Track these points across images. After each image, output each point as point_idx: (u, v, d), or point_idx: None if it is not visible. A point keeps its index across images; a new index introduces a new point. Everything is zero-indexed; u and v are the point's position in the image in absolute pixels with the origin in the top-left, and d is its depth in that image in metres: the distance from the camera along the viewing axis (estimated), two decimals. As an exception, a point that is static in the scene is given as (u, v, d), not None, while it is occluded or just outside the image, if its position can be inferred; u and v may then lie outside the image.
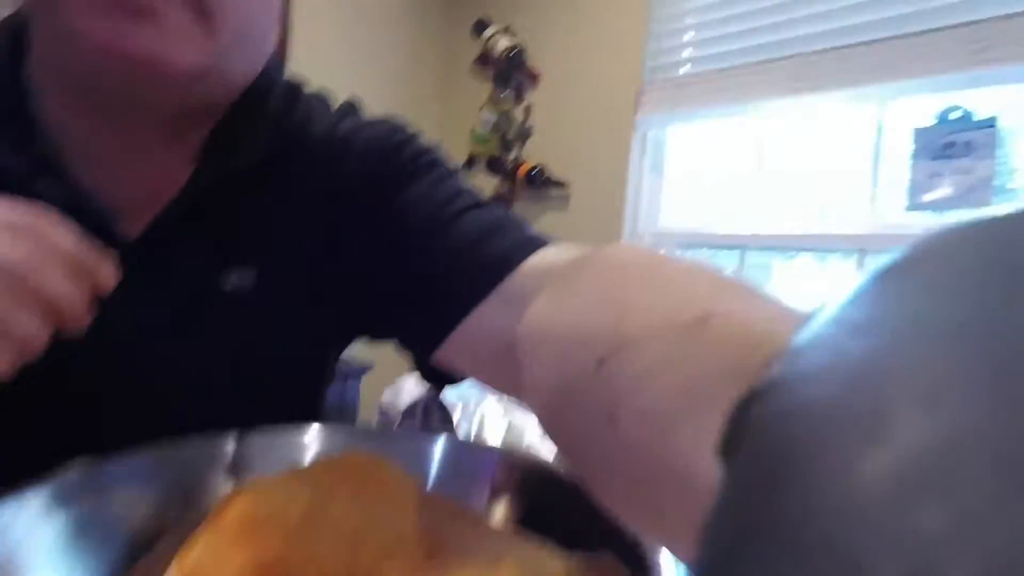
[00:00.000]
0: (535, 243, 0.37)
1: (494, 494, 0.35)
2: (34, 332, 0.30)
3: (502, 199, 2.39)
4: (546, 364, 0.25)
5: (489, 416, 0.59)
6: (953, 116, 1.55)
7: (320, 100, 0.49)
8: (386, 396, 0.72)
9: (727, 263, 2.00)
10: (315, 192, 0.45)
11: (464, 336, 0.38)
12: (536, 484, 0.35)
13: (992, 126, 1.50)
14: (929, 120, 1.58)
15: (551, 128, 2.29)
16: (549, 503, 0.30)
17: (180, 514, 0.31)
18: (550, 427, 0.25)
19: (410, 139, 0.47)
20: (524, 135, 2.35)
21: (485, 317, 0.36)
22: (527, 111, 2.34)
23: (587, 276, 0.26)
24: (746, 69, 1.80)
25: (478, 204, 0.42)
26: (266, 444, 0.36)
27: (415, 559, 0.27)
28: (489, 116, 2.39)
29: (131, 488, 0.31)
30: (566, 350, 0.23)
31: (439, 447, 0.39)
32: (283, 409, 0.43)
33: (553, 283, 0.29)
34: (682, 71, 1.95)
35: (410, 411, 0.66)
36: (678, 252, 2.10)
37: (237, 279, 0.42)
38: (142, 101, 0.38)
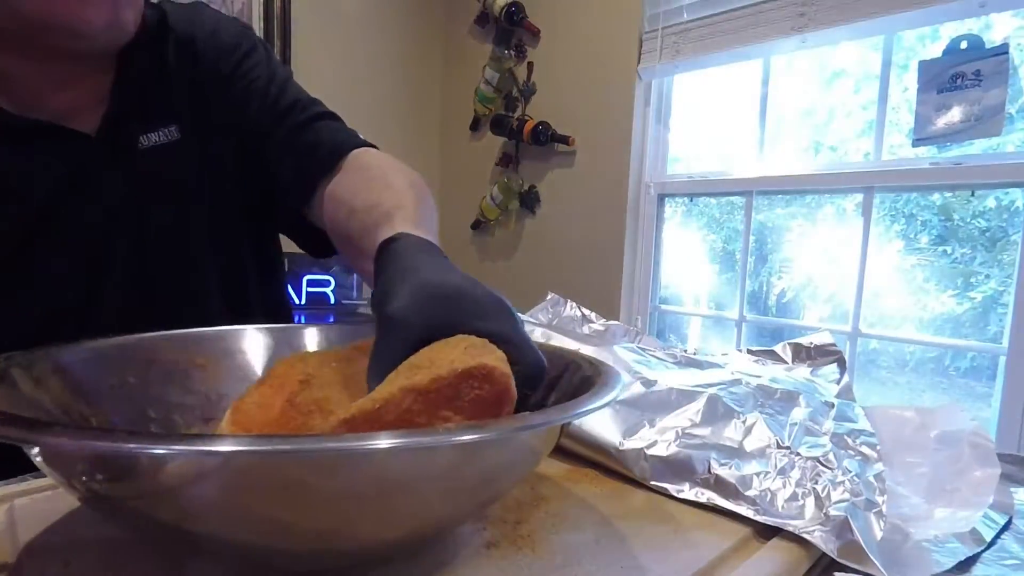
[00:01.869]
0: (356, 139, 0.63)
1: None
2: None
3: (509, 158, 2.39)
4: (328, 212, 0.58)
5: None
6: (963, 46, 1.53)
7: (186, 11, 0.66)
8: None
9: (735, 208, 2.00)
10: (199, 78, 0.63)
11: (317, 200, 0.60)
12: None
13: (1005, 52, 1.48)
14: (936, 52, 1.56)
15: (554, 84, 2.28)
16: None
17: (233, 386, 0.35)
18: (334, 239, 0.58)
19: (261, 46, 0.68)
20: (527, 93, 2.34)
21: (327, 190, 0.59)
22: (529, 68, 2.33)
23: (346, 173, 0.59)
24: (749, 8, 1.78)
25: (323, 110, 0.66)
26: (302, 333, 0.42)
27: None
28: (492, 75, 2.37)
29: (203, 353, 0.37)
30: (332, 207, 0.57)
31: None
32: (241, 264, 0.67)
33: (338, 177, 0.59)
34: (685, 16, 1.93)
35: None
36: (686, 200, 2.11)
37: (164, 135, 0.60)
38: (66, 47, 0.52)
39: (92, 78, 0.57)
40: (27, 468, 0.40)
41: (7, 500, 0.35)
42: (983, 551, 0.37)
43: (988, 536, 0.38)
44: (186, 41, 0.63)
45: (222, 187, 0.64)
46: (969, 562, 0.36)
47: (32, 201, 0.55)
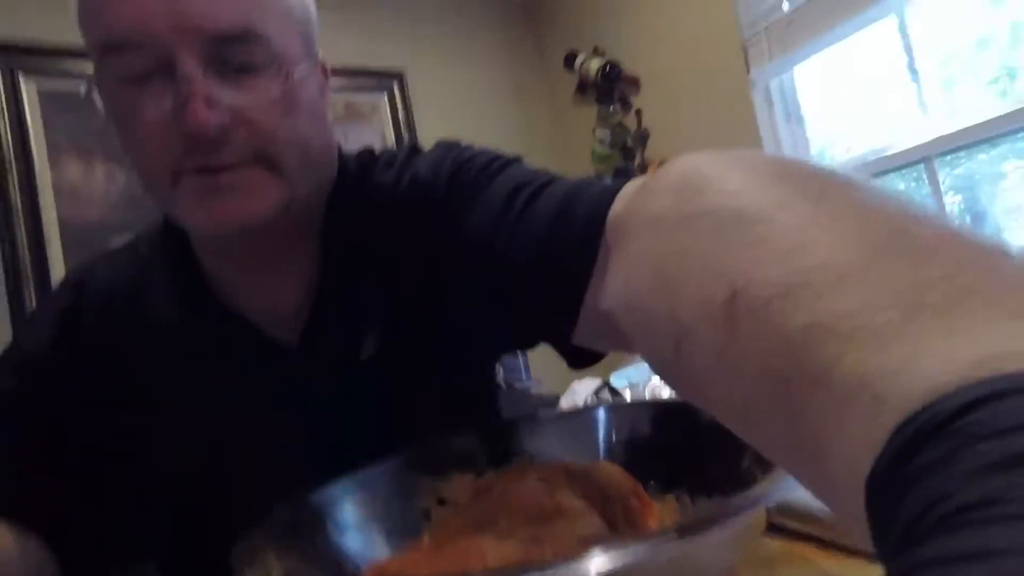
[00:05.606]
0: (610, 192, 0.37)
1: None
2: None
3: (642, 208, 2.33)
4: (638, 335, 0.29)
5: (656, 392, 0.58)
6: None
7: (385, 163, 0.53)
8: (564, 403, 0.82)
9: (899, 183, 1.74)
10: (405, 244, 0.49)
11: (587, 312, 0.38)
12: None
13: None
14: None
15: (666, 121, 2.21)
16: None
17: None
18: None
19: (463, 152, 0.50)
20: (642, 138, 2.30)
21: (596, 288, 0.36)
22: (638, 116, 2.30)
23: (642, 240, 0.29)
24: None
25: (546, 182, 0.43)
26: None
27: None
28: (603, 134, 2.38)
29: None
30: (646, 329, 0.27)
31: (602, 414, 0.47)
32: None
33: (618, 245, 0.32)
34: (785, 7, 1.80)
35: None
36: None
37: (369, 348, 0.48)
38: (251, 240, 0.45)
39: (286, 278, 0.49)
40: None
41: None
42: None
43: None
44: (407, 202, 0.49)
45: (440, 372, 0.52)
46: None
47: (220, 417, 0.49)
